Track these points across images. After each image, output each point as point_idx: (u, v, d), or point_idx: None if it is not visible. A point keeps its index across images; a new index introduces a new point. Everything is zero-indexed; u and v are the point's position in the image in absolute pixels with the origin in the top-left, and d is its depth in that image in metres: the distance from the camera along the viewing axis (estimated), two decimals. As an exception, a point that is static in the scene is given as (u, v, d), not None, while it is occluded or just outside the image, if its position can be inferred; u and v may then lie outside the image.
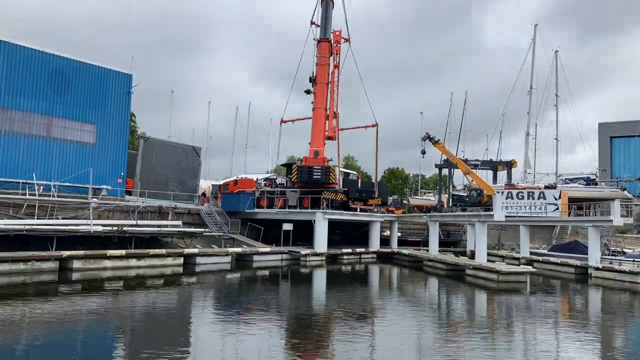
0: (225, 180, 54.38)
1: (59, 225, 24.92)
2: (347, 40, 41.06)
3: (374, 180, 45.23)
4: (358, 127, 44.66)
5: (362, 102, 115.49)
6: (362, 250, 38.05)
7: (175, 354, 10.46)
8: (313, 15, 40.72)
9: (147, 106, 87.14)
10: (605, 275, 28.36)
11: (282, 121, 43.06)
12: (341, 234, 43.98)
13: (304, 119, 41.89)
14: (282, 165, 47.43)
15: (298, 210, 35.59)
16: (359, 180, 44.16)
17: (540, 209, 33.94)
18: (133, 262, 24.75)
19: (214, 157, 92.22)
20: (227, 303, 18.10)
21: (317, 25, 40.32)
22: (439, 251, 38.09)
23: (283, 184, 40.64)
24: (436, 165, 51.77)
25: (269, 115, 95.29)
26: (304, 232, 36.60)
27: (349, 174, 45.33)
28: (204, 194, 46.70)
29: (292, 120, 43.21)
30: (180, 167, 40.12)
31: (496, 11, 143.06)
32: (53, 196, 27.65)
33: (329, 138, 38.75)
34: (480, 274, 27.52)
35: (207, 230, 32.93)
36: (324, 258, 33.55)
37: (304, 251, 32.67)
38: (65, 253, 22.50)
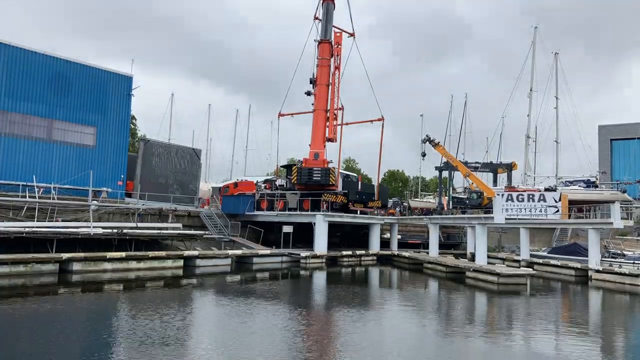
0: (225, 182, 54.35)
1: (59, 227, 24.94)
2: (351, 34, 41.04)
3: (374, 182, 45.23)
4: (364, 122, 44.54)
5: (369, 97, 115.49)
6: (362, 252, 38.05)
7: (174, 356, 10.46)
8: (317, 10, 40.63)
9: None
10: (605, 277, 28.33)
11: (280, 115, 42.88)
12: (341, 236, 43.97)
13: (302, 113, 41.64)
14: (282, 166, 47.25)
15: (298, 212, 35.57)
16: (359, 183, 44.12)
17: (541, 211, 33.84)
18: (133, 264, 24.77)
19: (214, 159, 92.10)
20: (227, 305, 18.06)
21: (320, 20, 40.25)
22: (439, 253, 38.09)
23: (283, 185, 40.56)
24: (436, 168, 51.74)
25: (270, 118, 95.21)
26: (304, 235, 36.58)
27: (348, 175, 45.24)
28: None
29: (291, 114, 42.97)
30: (180, 170, 40.16)
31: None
32: (53, 198, 27.67)
33: (329, 140, 38.68)
34: (480, 277, 27.49)
35: (207, 232, 32.94)
36: (324, 260, 33.54)
37: (303, 253, 32.65)
38: (65, 255, 22.52)
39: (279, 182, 41.56)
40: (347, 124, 42.27)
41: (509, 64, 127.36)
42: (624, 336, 15.17)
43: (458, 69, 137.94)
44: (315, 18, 40.50)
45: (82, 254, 23.22)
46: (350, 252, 36.98)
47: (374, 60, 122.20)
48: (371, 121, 42.94)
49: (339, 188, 38.14)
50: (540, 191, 36.93)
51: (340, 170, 40.18)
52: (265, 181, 43.68)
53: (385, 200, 44.33)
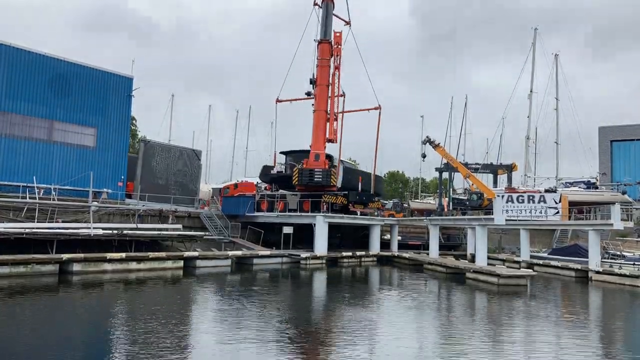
0: (225, 183, 54.31)
1: (59, 228, 24.95)
2: (347, 23, 40.91)
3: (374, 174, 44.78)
4: (361, 110, 44.19)
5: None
6: (363, 253, 38.04)
7: (173, 357, 10.46)
8: None
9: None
10: (605, 278, 28.34)
11: (277, 100, 42.02)
12: (341, 237, 43.89)
13: (300, 99, 40.90)
14: (282, 152, 42.98)
15: (298, 213, 35.55)
16: (360, 183, 43.92)
17: (541, 212, 33.83)
18: (133, 265, 24.78)
19: (214, 160, 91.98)
20: (226, 306, 18.07)
21: (319, 7, 39.88)
22: (439, 254, 38.07)
23: (281, 172, 39.78)
24: (436, 169, 51.77)
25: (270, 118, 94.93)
26: (304, 236, 36.55)
27: (344, 162, 44.30)
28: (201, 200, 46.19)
29: (289, 100, 42.00)
30: (181, 171, 40.15)
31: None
32: (53, 199, 27.68)
33: (329, 141, 38.55)
34: (480, 278, 27.48)
35: (207, 233, 32.95)
36: (324, 261, 33.53)
37: (304, 254, 32.65)
38: (65, 256, 22.52)
39: (276, 169, 40.55)
40: (343, 112, 41.49)
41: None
42: (623, 336, 15.18)
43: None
44: (315, 4, 40.02)
45: (82, 255, 23.22)
46: (350, 253, 36.95)
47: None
48: (368, 110, 42.67)
49: (339, 178, 37.29)
50: (540, 192, 36.93)
51: (341, 159, 39.23)
52: (263, 169, 42.02)
53: (380, 190, 43.89)
